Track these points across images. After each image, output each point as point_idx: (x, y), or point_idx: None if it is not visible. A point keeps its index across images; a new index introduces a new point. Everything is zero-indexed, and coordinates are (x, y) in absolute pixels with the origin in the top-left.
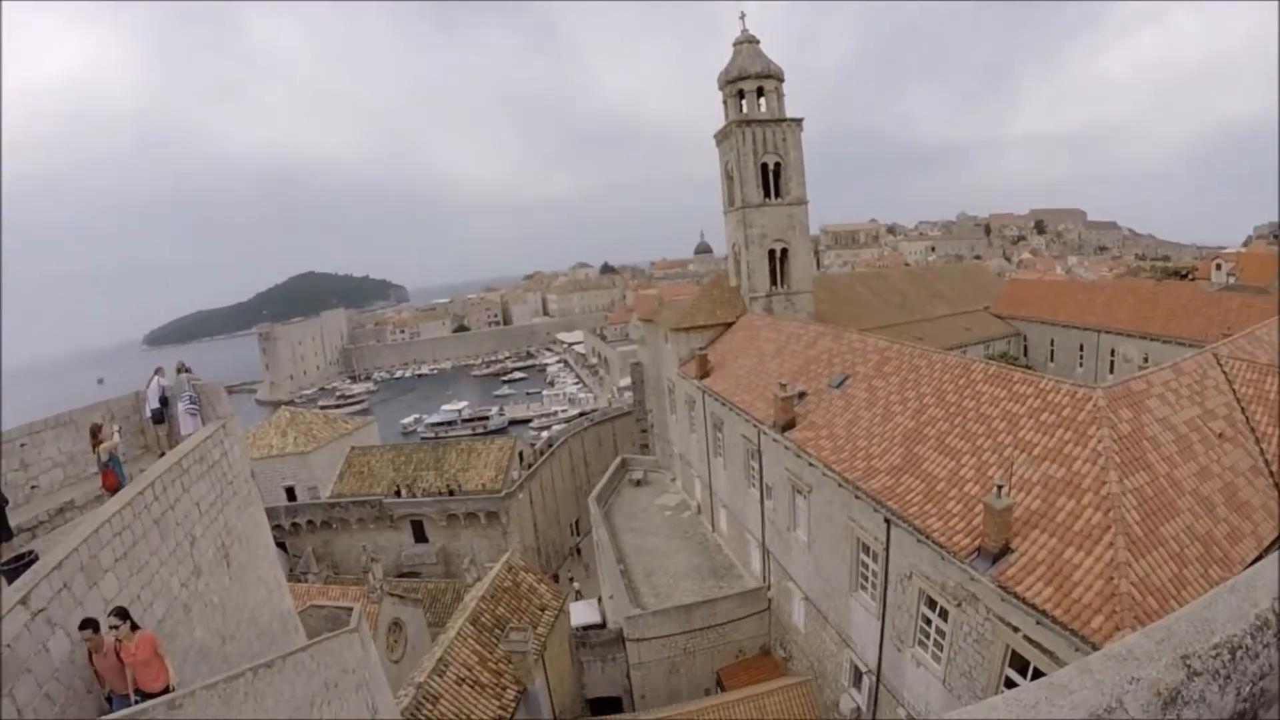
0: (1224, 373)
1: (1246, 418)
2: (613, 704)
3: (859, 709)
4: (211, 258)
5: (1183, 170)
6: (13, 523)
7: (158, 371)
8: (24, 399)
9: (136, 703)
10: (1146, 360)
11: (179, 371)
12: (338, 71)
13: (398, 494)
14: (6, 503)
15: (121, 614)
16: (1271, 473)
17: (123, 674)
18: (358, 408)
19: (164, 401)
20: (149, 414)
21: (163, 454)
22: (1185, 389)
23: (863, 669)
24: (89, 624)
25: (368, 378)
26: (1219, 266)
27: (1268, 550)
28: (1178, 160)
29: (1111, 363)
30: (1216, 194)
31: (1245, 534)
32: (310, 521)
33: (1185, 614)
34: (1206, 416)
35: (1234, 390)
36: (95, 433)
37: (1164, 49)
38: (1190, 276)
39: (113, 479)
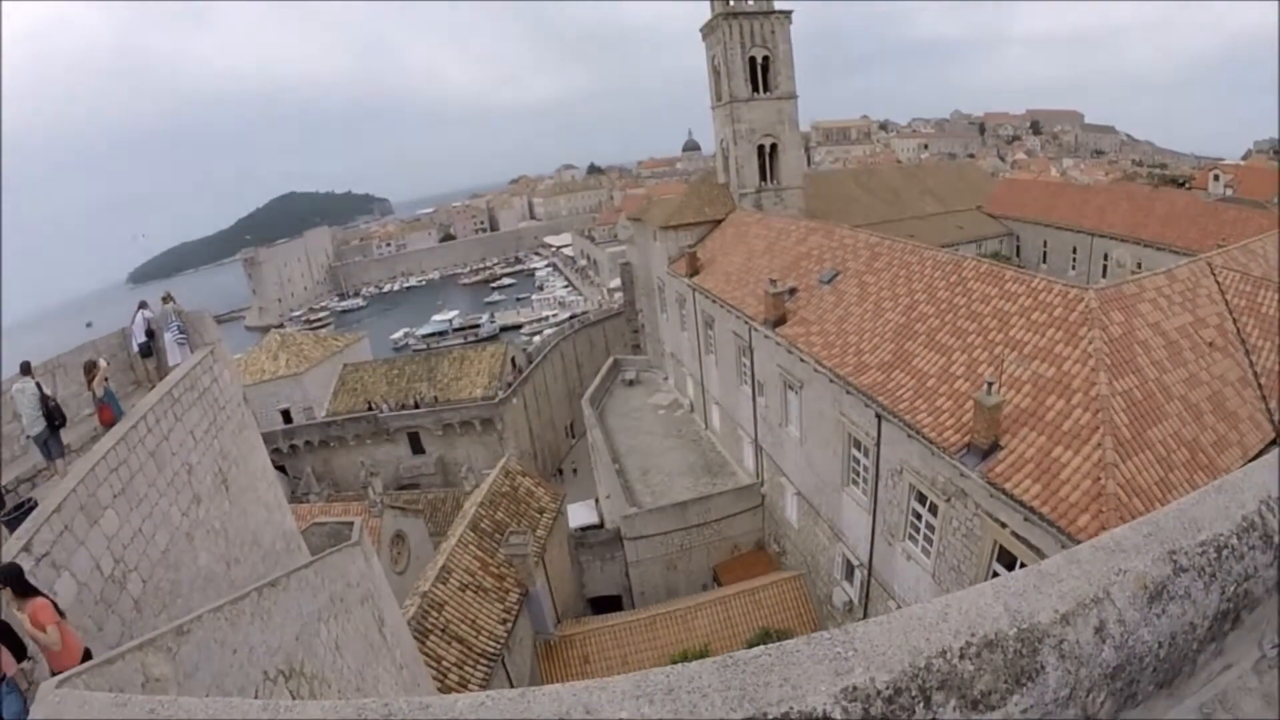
0: (1217, 282)
1: (1238, 329)
2: (613, 602)
3: (851, 601)
4: (189, 188)
5: (1186, 79)
6: (10, 475)
7: (142, 305)
8: (15, 352)
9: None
10: (1140, 266)
11: (164, 303)
12: None
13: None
14: None
15: (6, 578)
16: (1260, 385)
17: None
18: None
19: (150, 334)
20: (136, 348)
21: (153, 387)
22: (1178, 295)
23: (854, 563)
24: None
25: (356, 294)
26: (1216, 178)
27: (1251, 461)
28: (1181, 69)
29: (1104, 267)
30: (1218, 106)
31: (1231, 443)
32: (308, 442)
33: (1173, 510)
34: (1198, 324)
35: (1226, 301)
36: (89, 369)
37: None
38: (1187, 186)
39: (109, 414)
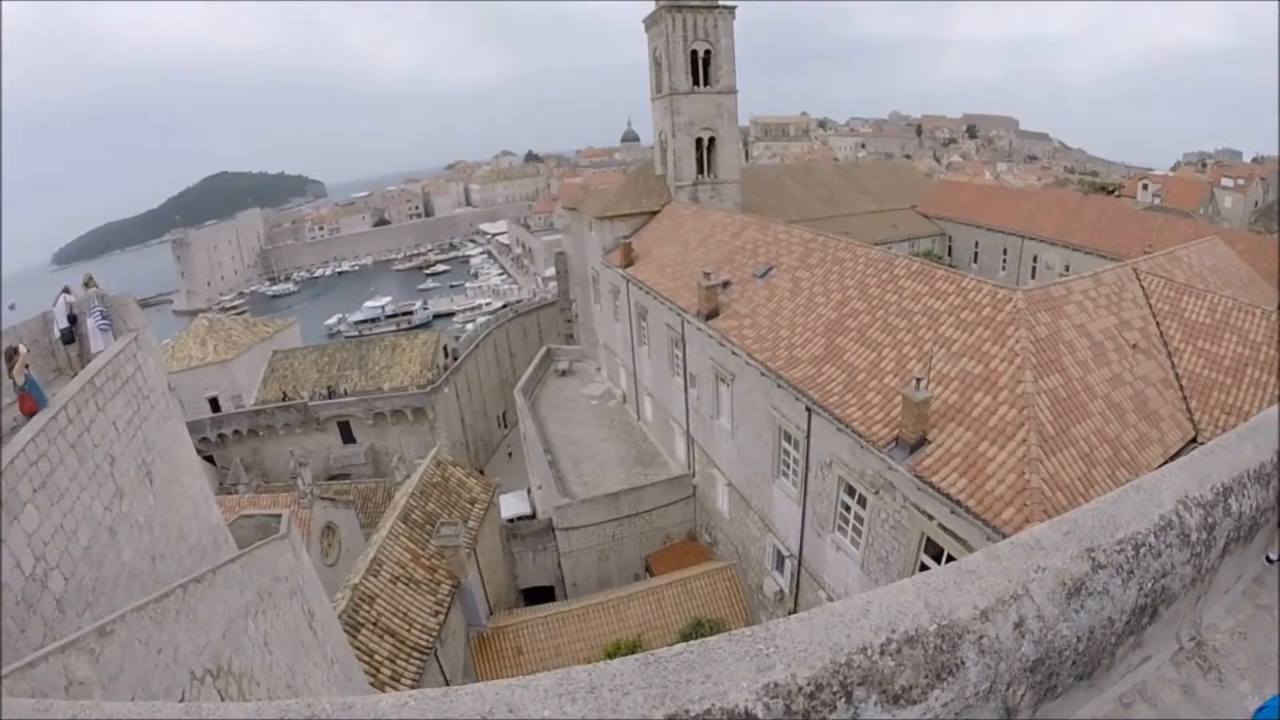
0: (1142, 287)
1: (1161, 332)
2: (546, 593)
3: (782, 591)
4: (114, 165)
5: (1120, 89)
6: None
7: (64, 290)
8: None
9: None
10: (1068, 269)
11: (86, 286)
12: None
13: (330, 395)
14: None
15: None
16: (1181, 385)
17: None
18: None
19: (73, 320)
20: (58, 334)
21: (76, 375)
22: (1103, 299)
23: (785, 553)
24: None
25: (288, 279)
26: (1145, 187)
27: (1172, 459)
28: (1115, 79)
29: (1034, 268)
30: (1150, 117)
31: (1152, 441)
32: (236, 431)
33: (1091, 509)
34: (1122, 327)
35: (1150, 305)
36: (9, 356)
37: None
38: (1116, 193)
39: (30, 403)
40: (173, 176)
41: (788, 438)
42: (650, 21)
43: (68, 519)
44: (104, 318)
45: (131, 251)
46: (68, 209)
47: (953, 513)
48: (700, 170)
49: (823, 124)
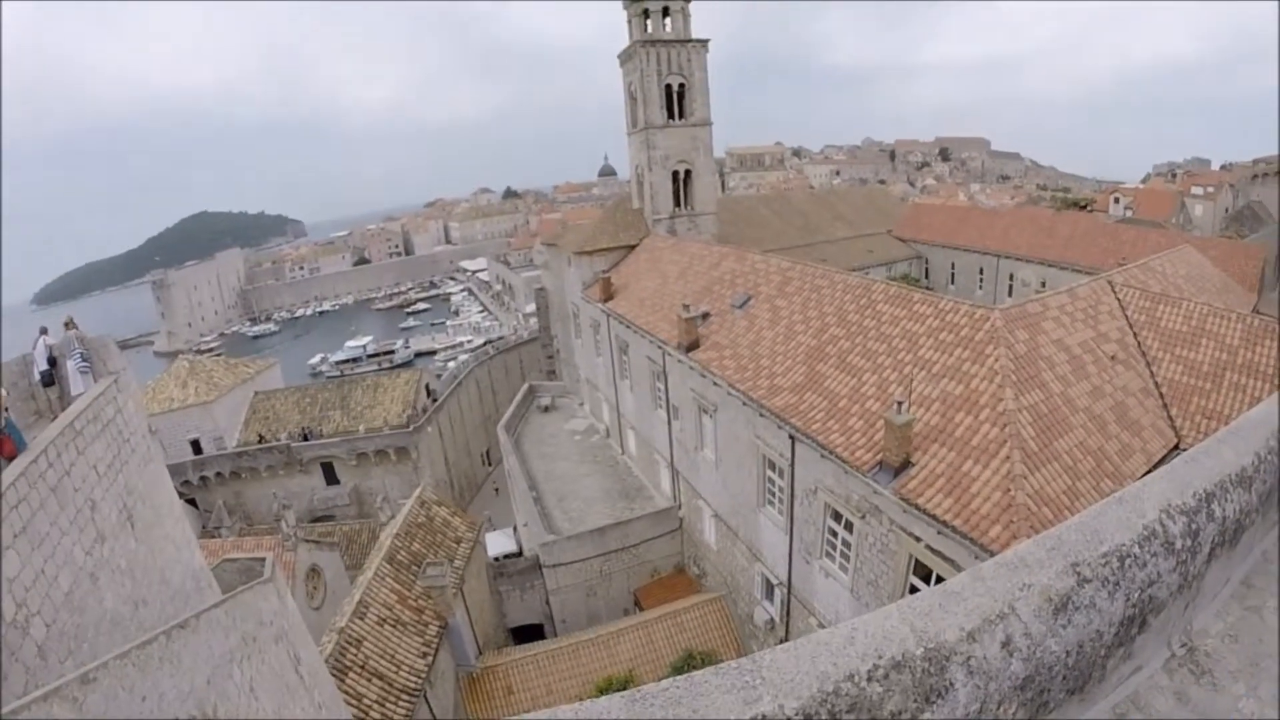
0: (1118, 299)
1: (1138, 342)
2: (535, 631)
3: (773, 620)
4: (98, 204)
5: (1089, 106)
6: None
7: (43, 331)
8: None
9: None
10: (1044, 285)
11: (66, 328)
12: None
13: (305, 437)
14: None
15: None
16: (1161, 394)
17: None
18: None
19: (53, 362)
20: (38, 377)
21: (56, 418)
22: (1080, 312)
23: (774, 581)
24: None
25: (268, 319)
26: (1117, 200)
27: (1156, 466)
28: (1085, 96)
29: (1010, 286)
30: (1119, 131)
31: (1135, 450)
32: (219, 473)
33: (1075, 523)
34: (1100, 339)
35: (1127, 316)
36: None
37: None
38: (1089, 208)
39: (10, 446)
40: (153, 216)
41: (772, 466)
42: (625, 57)
43: (49, 564)
44: (84, 360)
45: (112, 292)
46: (49, 248)
47: (940, 533)
48: (677, 203)
49: (797, 153)
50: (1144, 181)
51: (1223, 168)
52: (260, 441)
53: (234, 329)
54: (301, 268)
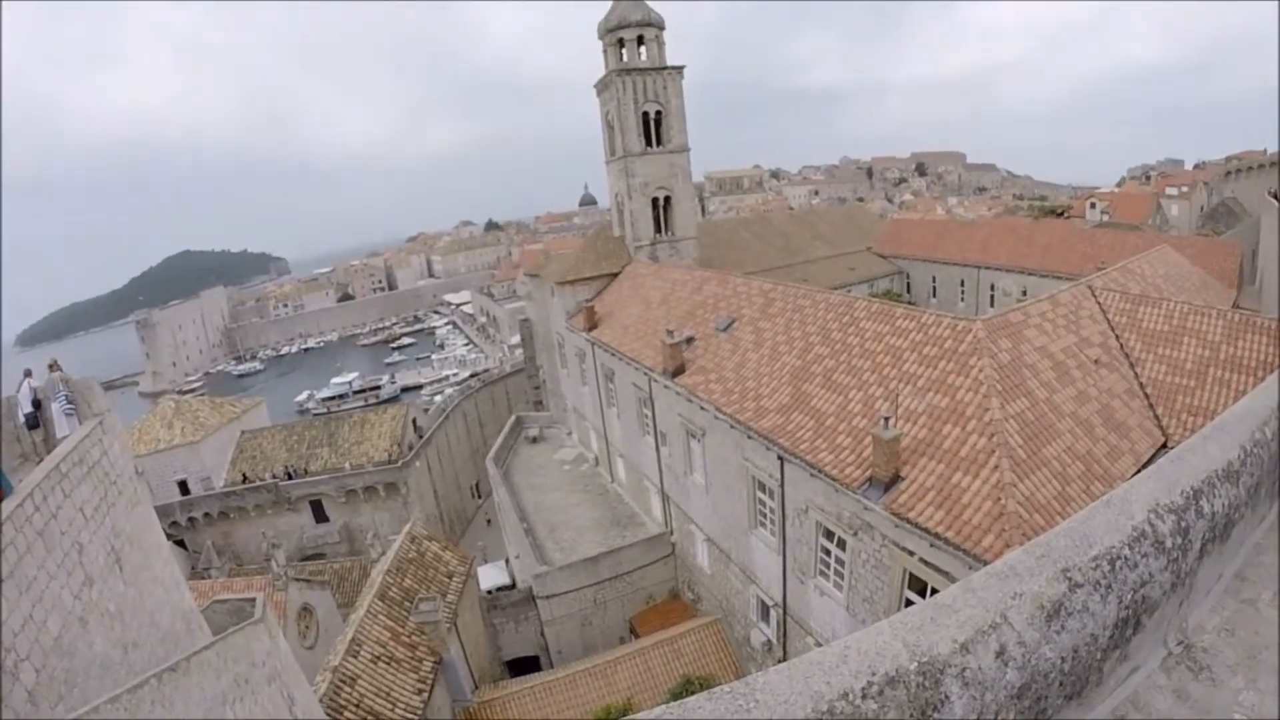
0: (1098, 303)
1: (1121, 344)
2: (531, 663)
3: (769, 642)
4: (81, 244)
5: (1062, 113)
6: None
7: (27, 374)
8: None
9: None
10: (1025, 294)
11: (50, 370)
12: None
13: (289, 476)
14: None
15: None
16: (1146, 394)
17: None
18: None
19: (37, 405)
20: (22, 419)
21: (41, 461)
22: (1062, 319)
23: (769, 603)
24: None
25: (253, 357)
26: (1093, 205)
27: (1145, 466)
28: (1058, 104)
29: (992, 297)
30: (1093, 137)
31: (1124, 451)
32: (207, 514)
33: (1064, 529)
34: (1082, 344)
35: (1108, 319)
36: None
37: None
38: (1066, 215)
39: None
40: (136, 256)
41: (762, 487)
42: (601, 86)
43: (37, 609)
44: (69, 402)
45: (96, 332)
46: (31, 290)
47: (932, 546)
48: (658, 229)
49: (776, 175)
50: (1119, 185)
51: (1196, 167)
52: (244, 481)
53: (219, 367)
54: (285, 305)
